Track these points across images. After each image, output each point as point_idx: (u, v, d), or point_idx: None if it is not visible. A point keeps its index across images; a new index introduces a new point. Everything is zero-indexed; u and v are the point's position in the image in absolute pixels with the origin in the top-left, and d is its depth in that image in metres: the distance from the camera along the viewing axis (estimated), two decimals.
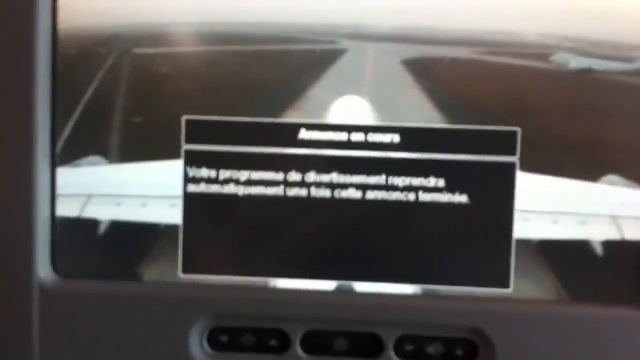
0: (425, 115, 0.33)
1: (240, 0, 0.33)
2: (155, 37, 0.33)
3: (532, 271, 0.33)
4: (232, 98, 0.33)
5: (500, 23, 0.32)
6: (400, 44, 0.33)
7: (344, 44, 0.33)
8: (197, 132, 0.33)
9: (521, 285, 0.33)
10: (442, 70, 0.33)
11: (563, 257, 0.33)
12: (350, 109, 0.33)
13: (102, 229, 0.34)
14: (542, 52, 0.32)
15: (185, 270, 0.34)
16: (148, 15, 0.33)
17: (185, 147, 0.33)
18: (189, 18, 0.33)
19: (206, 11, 0.33)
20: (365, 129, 0.33)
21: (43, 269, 0.33)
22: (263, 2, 0.33)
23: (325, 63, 0.33)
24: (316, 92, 0.33)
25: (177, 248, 0.34)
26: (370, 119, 0.33)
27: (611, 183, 0.32)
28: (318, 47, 0.33)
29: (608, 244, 0.33)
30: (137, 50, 0.33)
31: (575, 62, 0.32)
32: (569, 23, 0.32)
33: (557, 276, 0.33)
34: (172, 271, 0.34)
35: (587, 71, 0.32)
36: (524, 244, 0.33)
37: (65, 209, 0.34)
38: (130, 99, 0.34)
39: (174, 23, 0.33)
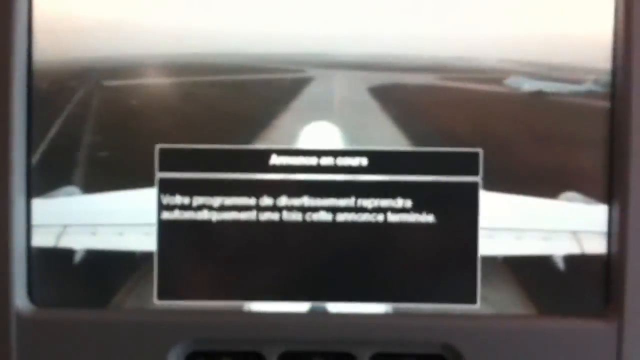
0: (392, 139, 0.34)
1: (209, 32, 0.34)
2: (126, 69, 0.34)
3: (498, 287, 0.34)
4: (204, 127, 0.34)
5: (460, 50, 0.34)
6: (365, 72, 0.34)
7: (311, 72, 0.34)
8: (170, 160, 0.34)
9: (488, 301, 0.34)
10: (407, 97, 0.34)
11: (528, 272, 0.34)
12: (319, 134, 0.34)
13: (77, 258, 0.34)
14: (499, 76, 0.34)
15: (160, 297, 0.34)
16: (119, 48, 0.34)
17: (159, 175, 0.34)
18: (159, 50, 0.34)
19: (175, 43, 0.34)
20: (334, 153, 0.34)
21: (20, 299, 0.34)
22: (231, 34, 0.34)
23: (293, 91, 0.34)
24: (286, 119, 0.34)
25: (152, 275, 0.34)
26: (338, 144, 0.34)
27: (570, 200, 0.34)
28: (286, 76, 0.34)
29: (570, 259, 0.34)
30: (107, 83, 0.34)
31: (528, 85, 0.34)
32: (524, 48, 0.34)
33: (524, 291, 0.34)
34: (148, 298, 0.34)
35: (540, 94, 0.34)
36: (490, 260, 0.34)
37: (41, 239, 0.34)
38: (102, 130, 0.34)
39: (145, 55, 0.34)
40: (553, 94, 0.34)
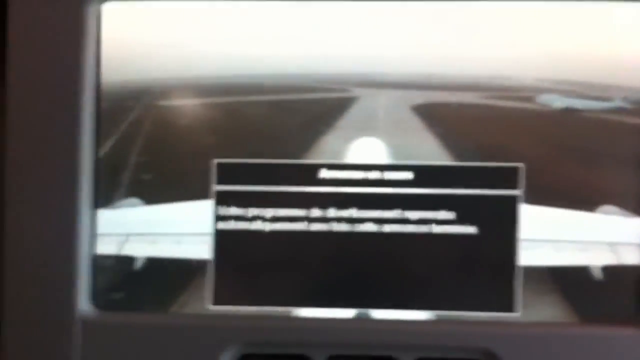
0: (435, 154, 0.36)
1: (258, 55, 0.36)
2: (181, 89, 0.36)
3: (537, 295, 0.35)
4: (256, 143, 0.36)
5: (498, 69, 0.35)
6: (408, 90, 0.36)
7: (356, 91, 0.36)
8: (226, 174, 0.36)
9: (528, 309, 0.35)
10: (449, 115, 0.36)
11: (566, 281, 0.35)
12: (366, 149, 0.36)
13: (138, 265, 0.36)
14: (532, 94, 0.35)
15: (215, 302, 0.36)
16: (176, 71, 0.36)
17: (216, 187, 0.36)
18: (213, 71, 0.36)
19: (227, 65, 0.36)
20: (381, 168, 0.36)
21: (84, 303, 0.36)
22: (278, 56, 0.36)
23: (338, 110, 0.36)
24: (333, 136, 0.36)
25: (207, 281, 0.36)
26: (385, 159, 0.36)
27: (608, 213, 0.35)
28: (331, 95, 0.36)
29: (607, 269, 0.35)
30: (163, 103, 0.36)
31: (559, 103, 0.35)
32: (556, 66, 0.35)
33: (562, 300, 0.35)
34: (203, 303, 0.36)
35: (569, 110, 0.35)
36: (529, 270, 0.35)
37: (105, 247, 0.36)
38: (161, 146, 0.36)
39: (199, 76, 0.36)
40: (582, 110, 0.35)
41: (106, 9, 0.36)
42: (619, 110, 0.35)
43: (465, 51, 0.36)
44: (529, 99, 0.35)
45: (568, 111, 0.35)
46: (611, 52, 0.35)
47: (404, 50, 0.36)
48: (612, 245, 0.35)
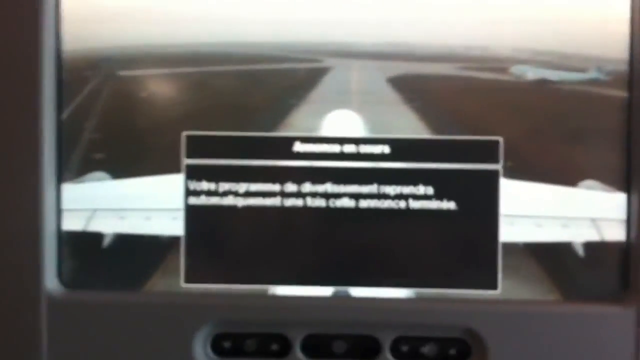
0: (413, 127, 0.35)
1: (224, 21, 0.35)
2: (142, 59, 0.35)
3: (518, 272, 0.35)
4: (226, 115, 0.35)
5: (475, 39, 0.34)
6: (383, 61, 0.35)
7: (328, 62, 0.35)
8: (196, 147, 0.35)
9: (509, 287, 0.35)
10: (426, 87, 0.35)
11: (548, 258, 0.35)
12: (341, 122, 0.35)
13: (106, 241, 0.35)
14: (505, 65, 0.34)
15: (187, 280, 0.35)
16: (139, 38, 0.35)
17: (186, 161, 0.35)
18: (179, 39, 0.35)
19: (193, 32, 0.35)
20: (357, 141, 0.35)
21: (50, 281, 0.34)
22: (246, 23, 0.35)
23: (310, 81, 0.35)
24: (306, 108, 0.35)
25: (179, 259, 0.35)
26: (361, 132, 0.35)
27: (589, 188, 0.34)
28: (302, 65, 0.35)
29: (589, 245, 0.34)
30: (127, 73, 0.35)
31: (532, 74, 0.34)
32: (532, 36, 0.34)
33: (544, 277, 0.35)
34: (175, 281, 0.35)
35: (543, 82, 0.34)
36: (510, 247, 0.34)
37: (71, 223, 0.35)
38: (129, 118, 0.35)
39: (164, 44, 0.35)
40: (556, 82, 0.34)
41: None
42: (593, 82, 0.34)
43: (440, 20, 0.34)
44: (502, 70, 0.34)
45: (541, 82, 0.34)
46: (586, 22, 0.34)
47: (378, 19, 0.35)
48: (594, 221, 0.34)
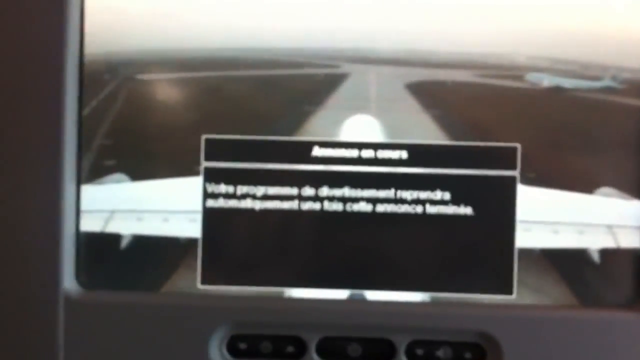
0: (431, 133, 0.35)
1: (245, 28, 0.35)
2: (166, 63, 0.35)
3: (534, 278, 0.35)
4: (246, 119, 0.35)
5: (492, 46, 0.35)
6: (400, 67, 0.35)
7: (346, 67, 0.35)
8: (215, 150, 0.35)
9: (524, 292, 0.35)
10: (444, 93, 0.35)
11: (564, 264, 0.35)
12: (360, 127, 0.35)
13: (124, 243, 0.35)
14: (523, 72, 0.35)
15: (204, 282, 0.35)
16: (163, 43, 0.35)
17: (205, 164, 0.35)
18: (200, 44, 0.35)
19: (214, 38, 0.35)
20: (375, 146, 0.35)
21: (68, 281, 0.35)
22: (266, 29, 0.35)
23: (329, 87, 0.35)
24: (325, 112, 0.35)
25: (196, 260, 0.35)
26: (379, 137, 0.35)
27: (606, 195, 0.35)
28: (320, 71, 0.35)
29: (605, 252, 0.35)
30: (149, 76, 0.35)
31: (547, 81, 0.35)
32: (548, 44, 0.34)
33: (559, 283, 0.35)
34: (191, 282, 0.35)
35: (558, 89, 0.35)
36: (526, 252, 0.35)
37: (90, 224, 0.35)
38: (149, 120, 0.35)
39: (186, 49, 0.35)
40: (571, 89, 0.35)
41: None
42: (608, 90, 0.35)
43: (458, 27, 0.35)
44: (518, 78, 0.35)
45: (556, 90, 0.35)
46: (601, 31, 0.34)
47: (396, 25, 0.35)
48: (610, 228, 0.35)
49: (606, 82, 0.34)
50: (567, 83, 0.35)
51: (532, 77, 0.35)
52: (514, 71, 0.35)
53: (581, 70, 0.35)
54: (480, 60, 0.35)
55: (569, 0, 0.35)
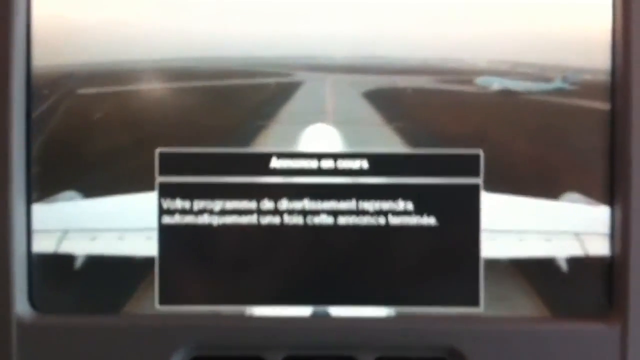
0: (391, 142, 0.34)
1: (192, 36, 0.34)
2: (114, 75, 0.34)
3: (501, 289, 0.34)
4: (200, 131, 0.34)
5: (450, 51, 0.34)
6: (356, 74, 0.34)
7: (300, 76, 0.34)
8: (170, 164, 0.34)
9: (492, 303, 0.34)
10: (403, 101, 0.34)
11: (531, 274, 0.34)
12: (318, 137, 0.34)
13: (78, 263, 0.34)
14: (472, 77, 0.34)
15: (162, 302, 0.34)
16: (108, 55, 0.34)
17: (159, 179, 0.34)
18: (145, 55, 0.34)
19: (162, 48, 0.34)
20: (335, 156, 0.34)
21: (20, 305, 0.33)
22: (215, 37, 0.34)
23: (283, 96, 0.34)
24: (279, 124, 0.34)
25: (153, 280, 0.34)
26: (338, 146, 0.34)
27: (572, 201, 0.34)
28: (273, 80, 0.34)
29: (573, 260, 0.34)
30: (88, 91, 0.34)
31: (497, 84, 0.34)
32: (504, 47, 0.34)
33: (527, 293, 0.34)
34: (149, 303, 0.34)
35: (508, 92, 0.34)
36: (492, 262, 0.34)
37: (42, 244, 0.34)
38: (101, 135, 0.34)
39: (134, 61, 0.34)
40: (522, 92, 0.34)
41: None
42: (559, 92, 0.34)
43: (412, 32, 0.34)
44: (467, 82, 0.34)
45: (506, 93, 0.34)
46: (555, 32, 0.34)
47: (350, 31, 0.34)
48: (578, 235, 0.34)
49: (557, 84, 0.34)
50: (517, 86, 0.34)
51: (481, 81, 0.34)
52: (462, 75, 0.34)
53: (535, 73, 0.34)
54: (438, 66, 0.34)
55: (521, 2, 0.34)
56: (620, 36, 0.33)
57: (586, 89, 0.34)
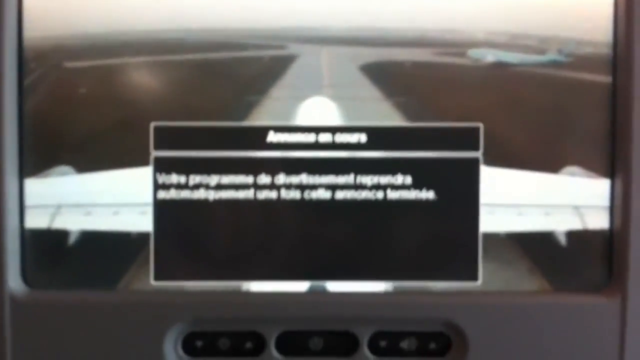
0: (389, 115, 0.34)
1: (183, 8, 0.33)
2: (102, 48, 0.33)
3: (500, 263, 0.34)
4: (196, 104, 0.34)
5: (447, 22, 0.33)
6: (352, 47, 0.34)
7: (294, 48, 0.34)
8: (165, 138, 0.33)
9: (490, 278, 0.34)
10: (401, 75, 0.34)
11: (530, 248, 0.34)
12: (316, 110, 0.34)
13: (72, 239, 0.34)
14: (464, 49, 0.33)
15: (157, 278, 0.34)
16: (101, 27, 0.33)
17: (155, 153, 0.34)
18: (136, 26, 0.33)
19: (151, 18, 0.33)
20: (333, 130, 0.34)
21: (14, 281, 0.33)
22: (207, 8, 0.33)
23: (276, 70, 0.34)
24: (274, 98, 0.34)
25: (148, 255, 0.34)
26: (336, 120, 0.34)
27: (572, 174, 0.33)
28: (265, 52, 0.34)
29: (572, 234, 0.34)
30: (94, 62, 0.33)
31: (491, 57, 0.33)
32: (493, 18, 0.33)
33: (526, 267, 0.34)
34: (144, 279, 0.34)
35: (502, 65, 0.33)
36: (491, 236, 0.33)
37: (35, 220, 0.34)
38: (94, 109, 0.34)
39: (124, 32, 0.33)
40: (516, 64, 0.34)
41: None
42: (554, 64, 0.34)
43: (408, 3, 0.33)
44: (461, 54, 0.33)
45: (500, 65, 0.33)
46: (551, 3, 0.33)
47: (347, 2, 0.33)
48: (577, 209, 0.33)
49: (551, 56, 0.33)
50: (511, 58, 0.33)
51: (474, 53, 0.33)
52: (465, 48, 0.33)
53: (530, 44, 0.33)
54: (436, 37, 0.33)
55: None
56: (622, 9, 0.33)
57: (583, 61, 0.33)
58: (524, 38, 0.33)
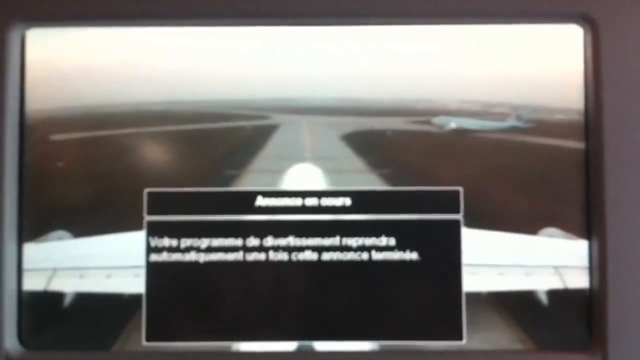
0: (371, 180, 0.35)
1: (169, 80, 0.35)
2: (93, 120, 0.35)
3: (484, 322, 0.34)
4: (186, 172, 0.35)
5: (422, 92, 0.35)
6: (332, 117, 0.35)
7: (276, 118, 0.35)
8: (158, 203, 0.35)
9: (475, 337, 0.34)
10: (382, 144, 0.35)
11: (512, 307, 0.34)
12: (301, 176, 0.35)
13: (67, 301, 0.35)
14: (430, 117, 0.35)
15: (149, 339, 0.35)
16: (90, 99, 0.35)
17: (148, 218, 0.35)
18: (123, 99, 0.35)
19: (135, 92, 0.35)
20: (319, 194, 0.35)
21: (10, 342, 0.34)
22: (192, 80, 0.35)
23: (260, 139, 0.35)
24: (258, 166, 0.35)
25: (141, 317, 0.35)
26: (321, 185, 0.35)
27: (550, 235, 0.34)
28: (249, 123, 0.35)
29: (553, 293, 0.34)
30: (86, 134, 0.35)
31: (454, 123, 0.35)
32: (464, 89, 0.35)
33: (509, 326, 0.34)
34: (137, 340, 0.35)
35: (464, 131, 0.35)
36: (474, 296, 0.34)
37: (32, 282, 0.35)
38: (90, 176, 0.35)
39: (113, 105, 0.35)
40: (477, 130, 0.35)
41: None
42: (514, 130, 0.35)
43: (383, 73, 0.35)
44: (426, 122, 0.35)
45: (462, 132, 0.35)
46: (522, 74, 0.35)
47: (325, 73, 0.35)
48: (557, 269, 0.34)
49: (511, 122, 0.35)
50: (472, 124, 0.35)
51: (438, 120, 0.35)
52: (430, 116, 0.35)
53: (487, 111, 0.35)
54: (410, 107, 0.35)
55: (482, 45, 0.35)
56: (591, 77, 0.34)
57: (554, 127, 0.35)
58: (496, 106, 0.35)
